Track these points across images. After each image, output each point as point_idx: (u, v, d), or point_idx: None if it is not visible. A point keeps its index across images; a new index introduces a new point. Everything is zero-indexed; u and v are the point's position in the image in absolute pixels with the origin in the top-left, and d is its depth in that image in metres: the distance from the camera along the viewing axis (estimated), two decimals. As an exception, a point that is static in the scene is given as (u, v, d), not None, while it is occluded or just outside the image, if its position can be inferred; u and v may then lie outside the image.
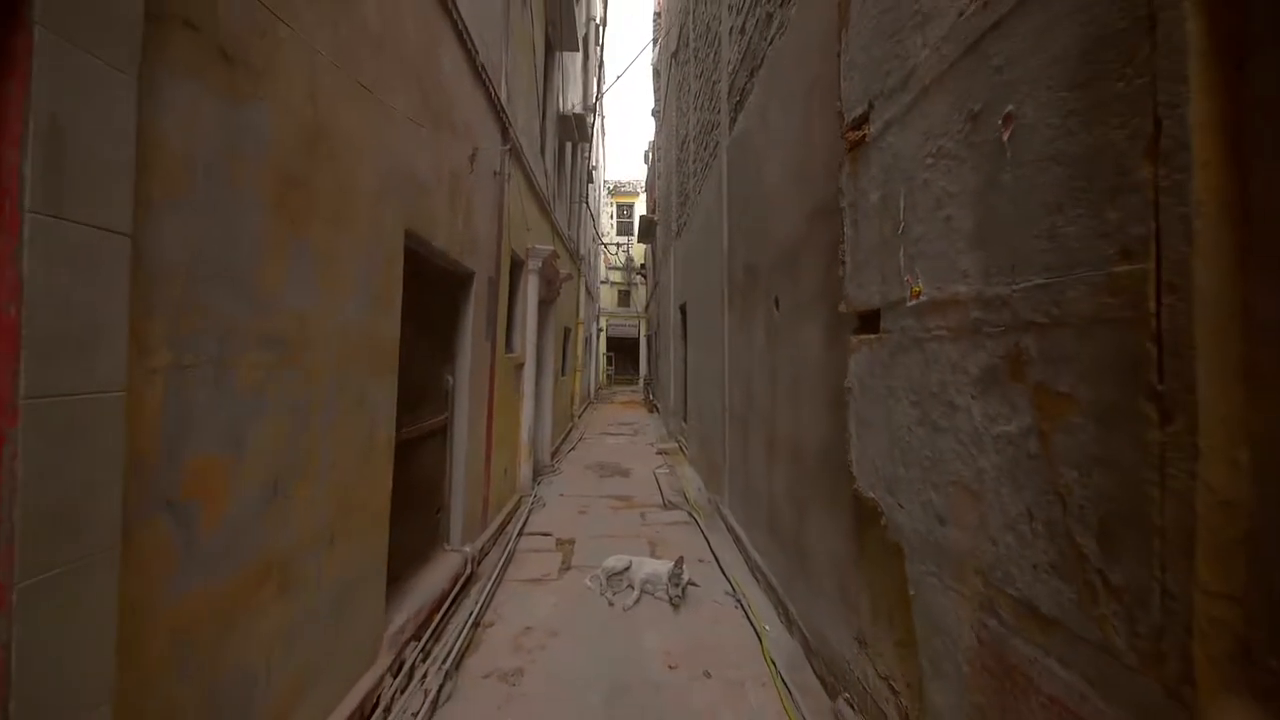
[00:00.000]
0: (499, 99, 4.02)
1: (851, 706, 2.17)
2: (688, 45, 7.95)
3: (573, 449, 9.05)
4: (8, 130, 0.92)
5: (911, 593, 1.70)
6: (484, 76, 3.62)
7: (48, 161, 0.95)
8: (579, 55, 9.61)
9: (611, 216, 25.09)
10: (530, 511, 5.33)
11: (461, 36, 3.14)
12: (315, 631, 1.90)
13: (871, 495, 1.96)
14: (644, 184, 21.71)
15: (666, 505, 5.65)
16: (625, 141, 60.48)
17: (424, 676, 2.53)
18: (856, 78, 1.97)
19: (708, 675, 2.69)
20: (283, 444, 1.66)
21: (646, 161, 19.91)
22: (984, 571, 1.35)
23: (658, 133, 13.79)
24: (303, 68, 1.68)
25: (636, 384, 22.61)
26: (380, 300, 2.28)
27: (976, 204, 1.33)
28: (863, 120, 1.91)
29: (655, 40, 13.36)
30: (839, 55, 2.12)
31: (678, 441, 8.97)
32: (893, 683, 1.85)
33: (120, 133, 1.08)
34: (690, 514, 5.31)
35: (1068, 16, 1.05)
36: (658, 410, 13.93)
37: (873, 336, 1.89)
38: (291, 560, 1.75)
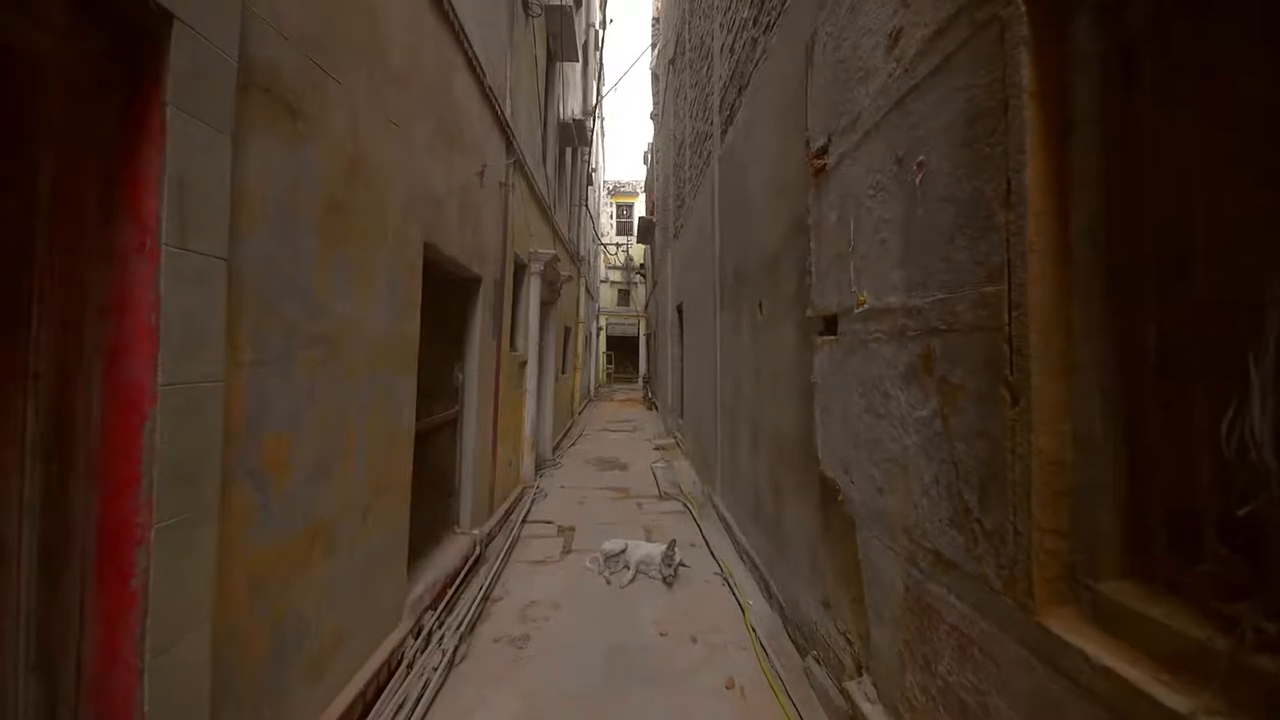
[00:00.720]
0: (504, 115, 4.32)
1: (818, 661, 2.48)
2: (684, 54, 8.23)
3: (573, 444, 9.36)
4: (149, 185, 1.22)
5: (860, 556, 2.01)
6: (490, 96, 3.92)
7: (176, 207, 1.25)
8: (579, 63, 9.88)
9: (611, 216, 25.37)
10: (533, 501, 5.64)
11: (471, 63, 3.44)
12: (352, 591, 2.20)
13: (832, 475, 2.26)
14: (643, 184, 21.99)
15: (662, 496, 5.96)
16: (624, 142, 60.65)
17: (441, 639, 2.84)
18: (819, 113, 2.27)
19: (694, 640, 3.00)
20: (329, 428, 1.97)
21: (645, 162, 20.19)
22: (909, 530, 1.65)
23: (656, 135, 14.08)
24: (344, 111, 1.98)
25: (636, 382, 22.90)
26: (404, 305, 2.59)
27: (902, 230, 1.63)
28: (824, 150, 2.22)
29: (653, 45, 13.65)
30: (806, 91, 2.42)
31: (674, 438, 9.28)
32: (848, 635, 2.16)
33: (221, 180, 1.38)
34: (684, 504, 5.62)
35: (959, 91, 1.35)
36: (656, 408, 14.23)
37: (832, 338, 2.20)
38: (335, 527, 2.05)
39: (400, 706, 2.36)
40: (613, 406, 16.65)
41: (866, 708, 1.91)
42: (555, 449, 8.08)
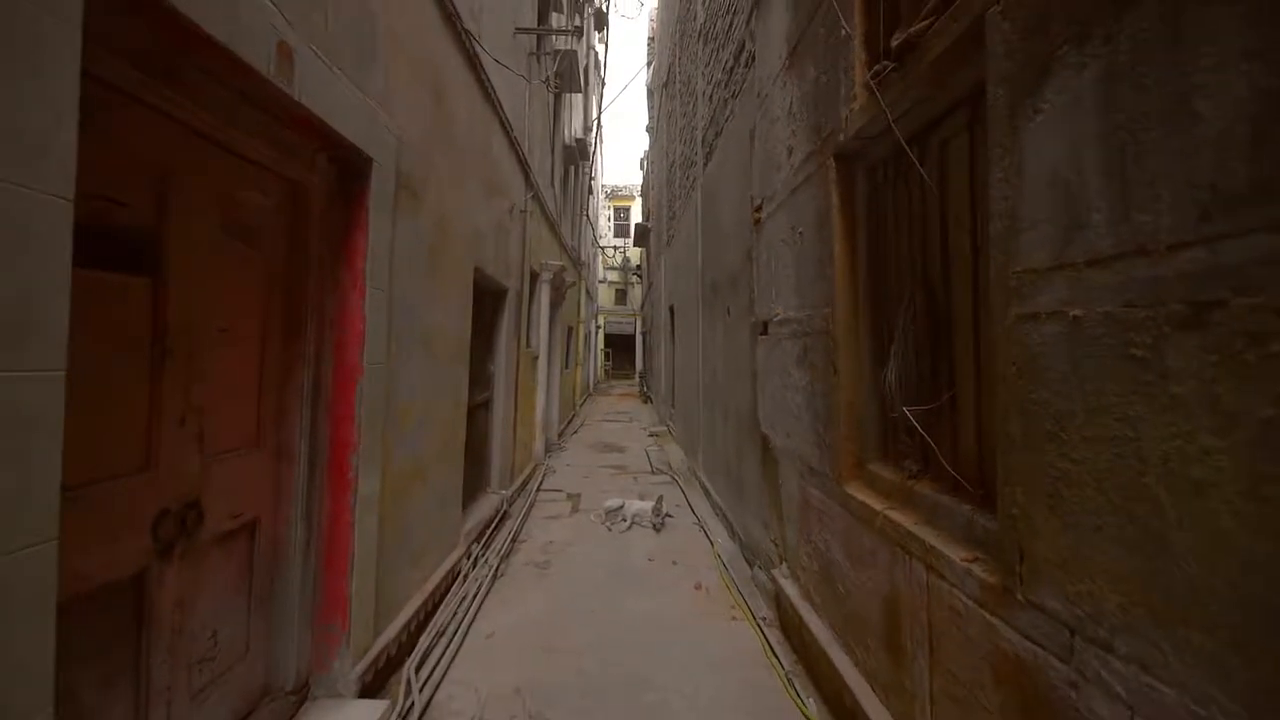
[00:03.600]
0: (524, 156, 5.30)
1: (760, 569, 3.48)
2: (675, 84, 9.19)
3: (575, 432, 10.34)
4: (360, 252, 2.20)
5: (780, 483, 3.01)
6: (515, 145, 4.89)
7: (371, 263, 2.23)
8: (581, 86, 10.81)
9: (609, 219, 26.32)
10: (544, 475, 6.63)
11: (503, 124, 4.42)
12: (433, 514, 3.19)
13: (767, 432, 3.26)
14: (639, 189, 22.96)
15: (654, 471, 6.96)
16: (622, 144, 61.40)
17: (486, 560, 3.83)
18: (757, 181, 3.26)
19: (674, 564, 4.00)
20: (425, 399, 2.95)
21: (642, 169, 21.17)
22: (800, 457, 2.65)
23: (651, 147, 15.05)
24: (436, 186, 2.97)
25: (632, 379, 23.86)
26: (462, 314, 3.57)
27: (795, 271, 2.62)
28: (759, 207, 3.21)
29: (649, 64, 14.61)
30: (751, 162, 3.41)
31: (666, 426, 10.27)
32: (775, 541, 3.16)
33: (388, 244, 2.36)
34: (673, 477, 6.62)
35: (814, 196, 2.35)
36: (651, 401, 15.23)
37: (766, 337, 3.19)
38: (426, 466, 3.04)
39: (463, 599, 3.35)
40: (610, 400, 17.63)
41: (783, 581, 2.91)
42: (560, 435, 9.06)
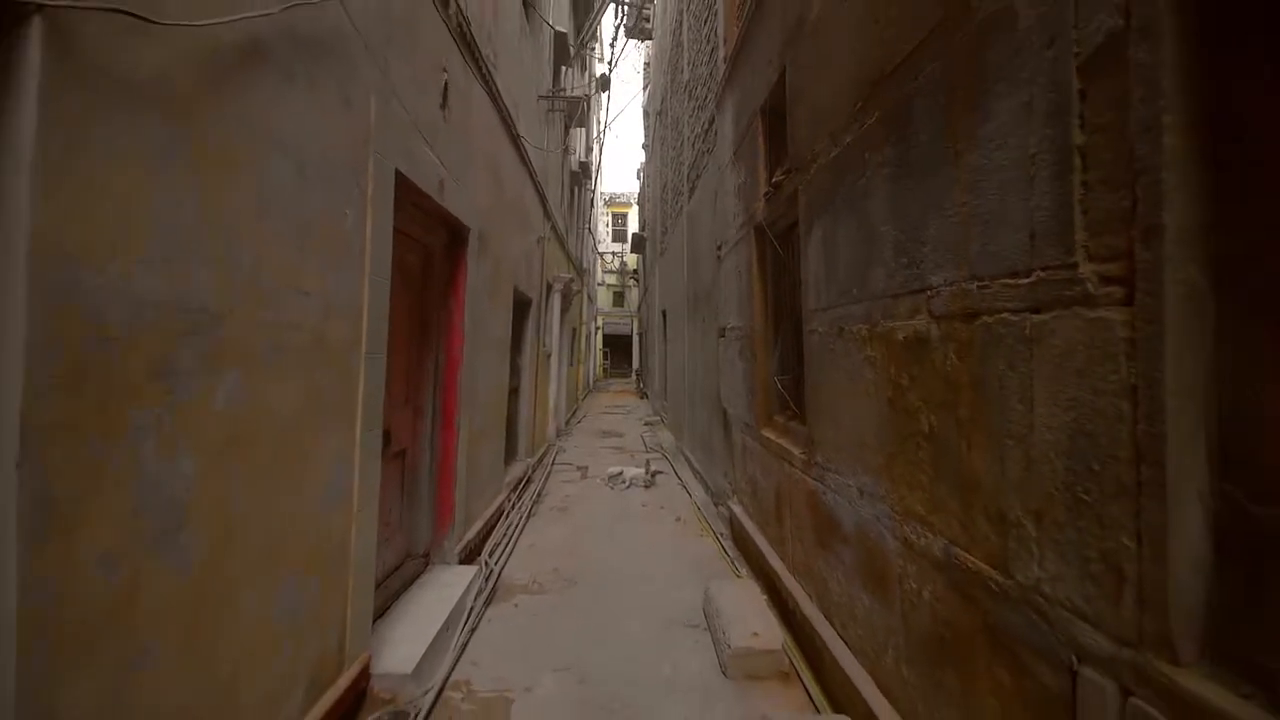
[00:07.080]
0: (543, 192, 6.64)
1: (721, 504, 4.84)
2: (667, 115, 10.54)
3: (579, 422, 11.69)
4: (462, 285, 3.55)
5: (731, 439, 4.36)
6: (539, 188, 6.24)
7: (467, 293, 3.57)
8: (585, 109, 12.12)
9: (607, 225, 27.64)
10: (556, 453, 7.98)
11: (532, 176, 5.77)
12: (489, 465, 4.53)
13: (725, 406, 4.62)
14: (636, 197, 24.31)
15: (648, 450, 8.32)
16: (620, 154, 62.78)
17: (522, 504, 5.18)
18: (717, 228, 4.63)
19: (661, 508, 5.36)
20: (486, 383, 4.30)
21: (638, 178, 22.51)
22: (742, 418, 4.01)
23: (647, 163, 16.39)
24: (495, 235, 4.31)
25: (630, 377, 25.17)
26: (506, 322, 4.92)
27: (737, 295, 3.98)
28: (720, 248, 4.57)
29: (644, 87, 15.96)
30: (715, 212, 4.77)
31: (660, 416, 11.62)
32: (729, 482, 4.52)
33: (473, 279, 3.71)
34: (663, 454, 7.97)
35: (745, 250, 3.71)
36: (647, 397, 16.58)
37: (723, 339, 4.55)
38: (486, 430, 4.38)
39: (509, 526, 4.70)
40: (609, 396, 18.97)
41: (733, 506, 4.27)
42: (566, 424, 10.41)
